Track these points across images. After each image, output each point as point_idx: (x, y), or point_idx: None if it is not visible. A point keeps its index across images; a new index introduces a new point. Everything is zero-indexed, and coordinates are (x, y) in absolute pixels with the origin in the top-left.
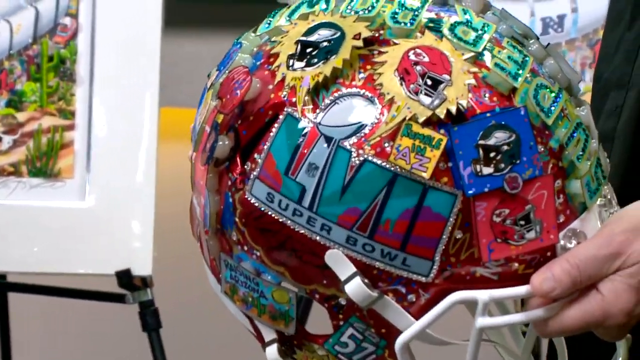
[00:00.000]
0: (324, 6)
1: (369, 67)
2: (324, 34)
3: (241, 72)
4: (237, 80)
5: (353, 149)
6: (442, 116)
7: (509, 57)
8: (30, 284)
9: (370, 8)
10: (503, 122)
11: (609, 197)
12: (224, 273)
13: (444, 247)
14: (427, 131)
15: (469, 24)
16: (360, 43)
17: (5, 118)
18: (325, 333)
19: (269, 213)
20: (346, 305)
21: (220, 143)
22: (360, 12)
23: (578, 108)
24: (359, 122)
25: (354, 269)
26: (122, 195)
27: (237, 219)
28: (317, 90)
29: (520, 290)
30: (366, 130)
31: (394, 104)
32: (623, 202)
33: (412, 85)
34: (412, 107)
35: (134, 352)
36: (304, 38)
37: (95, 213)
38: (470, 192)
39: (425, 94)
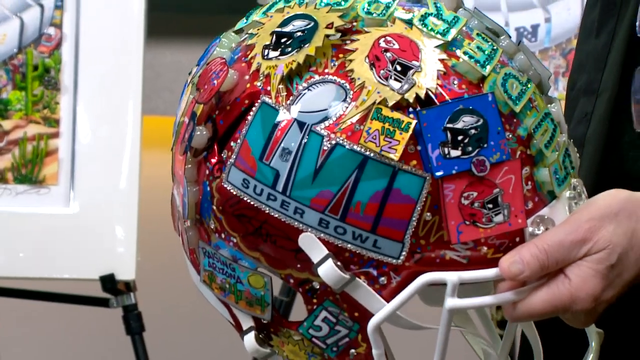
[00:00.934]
0: (299, 0)
1: (341, 55)
2: (298, 24)
3: (218, 64)
4: (214, 71)
5: (325, 133)
6: (411, 100)
7: (478, 47)
8: (17, 289)
9: (343, 1)
10: (471, 107)
11: (578, 190)
12: (203, 261)
13: (413, 229)
14: (396, 115)
15: (440, 15)
16: (332, 32)
17: None
18: (299, 320)
19: (245, 199)
20: (320, 289)
21: (198, 133)
22: (334, 5)
23: (549, 105)
24: (331, 107)
25: (326, 251)
26: (105, 202)
27: (214, 207)
28: (291, 78)
29: (489, 272)
30: (338, 115)
31: (364, 89)
32: None
33: (382, 71)
34: (382, 92)
35: (118, 354)
36: (278, 29)
37: (80, 219)
38: (438, 174)
39: (395, 79)
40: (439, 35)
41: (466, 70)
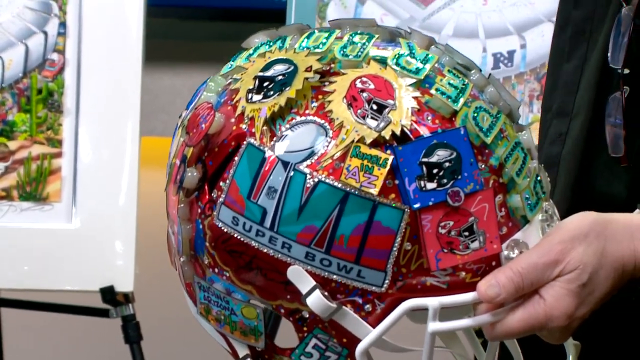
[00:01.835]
0: (280, 45)
1: (320, 96)
2: (278, 68)
3: (205, 108)
4: (202, 115)
5: (307, 171)
6: (387, 137)
7: (449, 84)
8: (22, 300)
9: (321, 45)
10: (445, 141)
11: (550, 212)
12: (199, 295)
13: (395, 258)
14: (374, 151)
15: (412, 55)
16: (311, 75)
17: None
18: (292, 347)
19: (235, 235)
20: (309, 318)
21: (189, 174)
22: (312, 49)
23: (520, 133)
24: (312, 147)
25: (313, 283)
26: (105, 218)
27: (207, 244)
28: (274, 120)
29: (468, 297)
30: (319, 154)
31: (343, 128)
32: None
33: (359, 110)
34: (359, 130)
35: None
36: (261, 73)
37: (81, 234)
38: (416, 205)
39: (372, 118)
40: (412, 74)
41: (439, 106)
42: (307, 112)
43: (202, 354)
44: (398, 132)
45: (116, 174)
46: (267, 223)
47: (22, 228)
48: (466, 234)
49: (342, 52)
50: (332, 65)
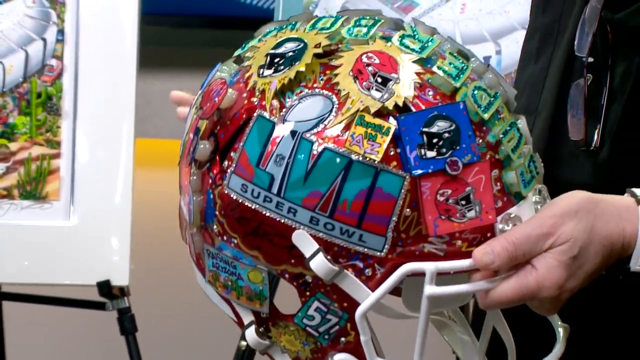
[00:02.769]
0: (291, 28)
1: (328, 71)
2: (289, 46)
3: (219, 84)
4: (215, 90)
5: (314, 139)
6: (390, 108)
7: (450, 64)
8: (22, 294)
9: (330, 26)
10: (444, 113)
11: (543, 194)
12: (207, 263)
13: (395, 224)
14: (377, 121)
15: (416, 37)
16: (320, 50)
17: None
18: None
19: (244, 202)
20: (312, 282)
21: (202, 146)
22: (321, 29)
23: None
24: (320, 116)
25: (317, 246)
26: (102, 215)
27: (217, 212)
28: (284, 92)
29: (464, 263)
30: (325, 123)
31: (349, 99)
32: None
33: (364, 83)
34: (364, 101)
35: (113, 353)
36: (272, 51)
37: (79, 231)
38: (416, 173)
39: (376, 90)
40: (415, 52)
41: (440, 83)
42: (315, 85)
43: (195, 345)
44: (400, 104)
45: (112, 174)
46: (275, 189)
47: (22, 225)
48: (463, 202)
49: (349, 32)
50: (340, 46)
